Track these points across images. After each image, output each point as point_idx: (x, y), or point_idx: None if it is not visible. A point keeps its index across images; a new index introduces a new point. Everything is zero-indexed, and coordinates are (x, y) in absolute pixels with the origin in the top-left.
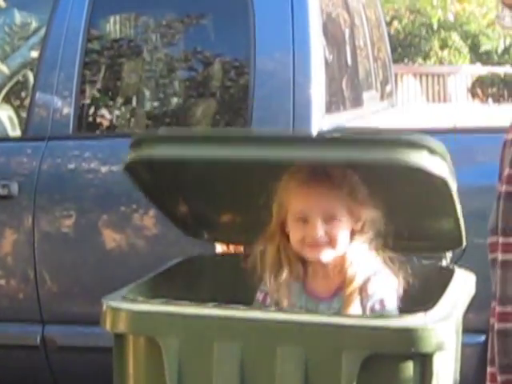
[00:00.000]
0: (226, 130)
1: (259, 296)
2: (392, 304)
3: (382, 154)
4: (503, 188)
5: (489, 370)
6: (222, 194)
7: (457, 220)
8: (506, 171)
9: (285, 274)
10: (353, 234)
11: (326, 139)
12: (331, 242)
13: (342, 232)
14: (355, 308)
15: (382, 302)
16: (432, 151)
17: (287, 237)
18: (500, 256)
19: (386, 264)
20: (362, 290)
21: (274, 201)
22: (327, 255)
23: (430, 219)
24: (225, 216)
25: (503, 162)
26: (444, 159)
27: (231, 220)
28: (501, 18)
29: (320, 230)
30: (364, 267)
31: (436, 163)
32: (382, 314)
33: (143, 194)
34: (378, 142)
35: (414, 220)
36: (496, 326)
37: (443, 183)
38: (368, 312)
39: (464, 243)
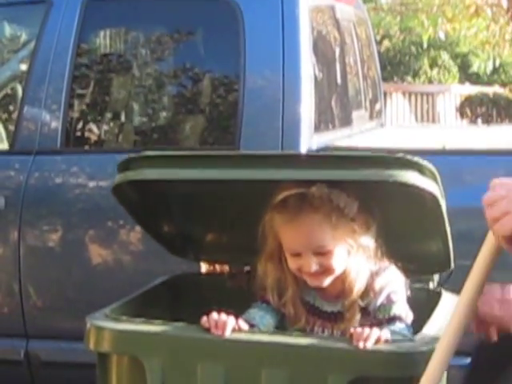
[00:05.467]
0: (212, 151)
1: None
2: (400, 298)
3: (373, 172)
4: None
5: None
6: (209, 214)
7: (445, 242)
8: None
9: (290, 293)
10: (349, 252)
11: (315, 157)
12: (327, 271)
13: (337, 259)
14: (358, 317)
15: (388, 296)
16: (422, 170)
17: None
18: None
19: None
20: (370, 290)
21: (263, 229)
22: (326, 282)
23: (418, 241)
24: (211, 235)
25: None
26: (434, 178)
27: (217, 239)
28: None
29: (313, 265)
30: (364, 278)
31: (426, 181)
32: None
33: (130, 215)
34: (369, 160)
35: (402, 242)
36: None
37: (433, 201)
38: (377, 309)
39: (452, 266)
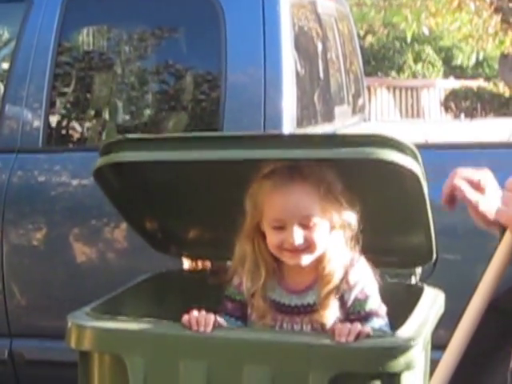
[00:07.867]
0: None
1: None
2: (373, 291)
3: (354, 150)
4: None
5: None
6: (190, 209)
7: (427, 229)
8: None
9: (262, 279)
10: (331, 229)
11: (297, 137)
12: (310, 247)
13: (321, 234)
14: (333, 308)
15: (362, 290)
16: (403, 148)
17: (263, 235)
18: None
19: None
20: (344, 281)
21: (247, 201)
22: (306, 260)
23: (399, 230)
24: (192, 231)
25: None
26: (414, 157)
27: (199, 235)
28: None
29: (298, 238)
30: (341, 264)
31: (407, 159)
32: None
33: (111, 203)
34: (350, 139)
35: (383, 232)
36: None
37: (414, 181)
38: (352, 303)
39: (434, 256)
